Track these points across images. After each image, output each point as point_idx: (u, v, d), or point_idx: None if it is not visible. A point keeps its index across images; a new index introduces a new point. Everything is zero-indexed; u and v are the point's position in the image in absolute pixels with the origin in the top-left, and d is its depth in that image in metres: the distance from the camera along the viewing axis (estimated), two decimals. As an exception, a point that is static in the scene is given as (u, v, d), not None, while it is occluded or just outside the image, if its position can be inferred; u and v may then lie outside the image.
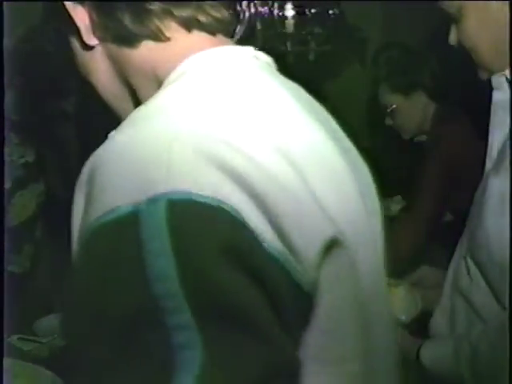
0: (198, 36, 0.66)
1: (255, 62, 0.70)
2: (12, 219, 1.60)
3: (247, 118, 0.57)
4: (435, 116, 2.01)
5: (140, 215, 0.49)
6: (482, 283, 1.13)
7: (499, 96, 1.11)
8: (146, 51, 0.65)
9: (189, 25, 0.65)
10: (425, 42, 2.24)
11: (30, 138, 1.60)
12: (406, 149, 2.36)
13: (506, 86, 1.10)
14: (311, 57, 2.03)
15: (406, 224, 2.01)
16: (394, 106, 2.02)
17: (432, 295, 1.38)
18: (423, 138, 2.09)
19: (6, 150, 1.40)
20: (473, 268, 1.15)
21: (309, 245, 0.53)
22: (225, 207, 0.49)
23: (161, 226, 0.48)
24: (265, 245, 0.50)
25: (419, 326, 1.34)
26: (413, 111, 2.03)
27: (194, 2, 0.65)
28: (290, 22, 1.90)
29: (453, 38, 1.17)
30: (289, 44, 1.95)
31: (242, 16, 2.00)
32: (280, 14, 1.89)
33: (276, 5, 1.89)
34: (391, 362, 0.71)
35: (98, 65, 0.69)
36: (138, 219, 0.49)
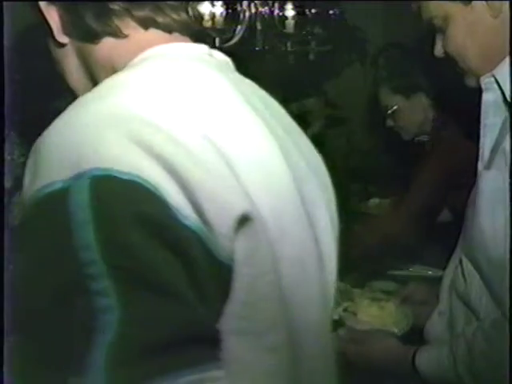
0: (154, 34, 0.72)
1: (206, 59, 0.74)
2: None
3: (182, 107, 0.63)
4: (436, 117, 2.01)
5: (69, 190, 0.55)
6: (477, 280, 1.14)
7: (488, 97, 1.12)
8: (106, 47, 0.71)
9: (146, 23, 0.71)
10: (425, 42, 2.23)
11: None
12: (407, 149, 2.37)
13: (494, 86, 1.11)
14: (311, 57, 2.03)
15: (392, 219, 2.01)
16: (395, 108, 2.02)
17: (421, 311, 1.37)
18: (424, 138, 2.09)
19: (7, 148, 1.40)
20: (468, 267, 1.16)
21: (222, 219, 0.58)
22: (141, 182, 0.55)
23: (84, 200, 0.54)
24: (181, 217, 0.55)
25: (411, 339, 1.32)
26: (413, 112, 2.03)
27: (152, 3, 0.70)
28: (290, 22, 1.90)
29: (439, 50, 1.19)
30: (289, 44, 1.95)
31: (242, 16, 2.00)
32: (280, 13, 1.89)
33: (276, 5, 1.89)
34: (323, 355, 0.74)
35: (69, 61, 0.75)
36: (67, 194, 0.55)
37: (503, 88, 1.10)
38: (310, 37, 1.98)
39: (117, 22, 0.70)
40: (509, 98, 1.08)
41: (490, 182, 1.08)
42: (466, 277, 1.17)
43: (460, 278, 1.20)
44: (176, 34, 0.74)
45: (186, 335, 0.53)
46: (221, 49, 1.79)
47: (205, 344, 0.54)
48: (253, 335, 0.61)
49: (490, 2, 1.08)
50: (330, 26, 2.05)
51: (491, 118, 1.12)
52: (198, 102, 0.65)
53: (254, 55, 2.53)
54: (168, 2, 0.71)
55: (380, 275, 2.05)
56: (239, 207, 0.59)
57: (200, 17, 1.74)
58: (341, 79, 4.02)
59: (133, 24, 0.71)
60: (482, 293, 1.14)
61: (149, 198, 0.55)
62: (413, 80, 2.00)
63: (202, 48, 0.76)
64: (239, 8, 1.79)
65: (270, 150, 0.68)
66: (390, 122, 2.09)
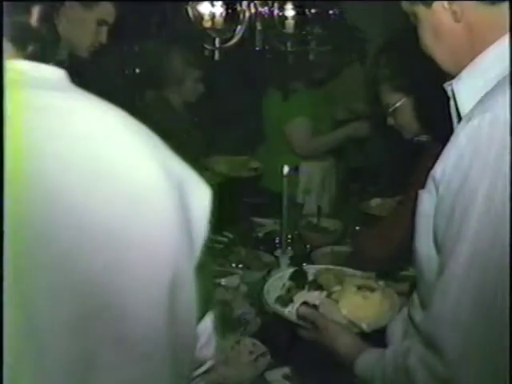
0: None
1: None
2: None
3: None
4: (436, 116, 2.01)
5: None
6: (415, 296, 1.16)
7: (452, 104, 1.10)
8: None
9: None
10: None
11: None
12: (407, 149, 2.36)
13: (452, 95, 1.09)
14: (311, 57, 2.03)
15: (391, 221, 2.01)
16: (397, 106, 2.02)
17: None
18: (424, 138, 2.09)
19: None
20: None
21: None
22: None
23: None
24: None
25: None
26: (414, 111, 2.03)
27: None
28: (289, 22, 1.90)
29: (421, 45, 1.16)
30: (289, 44, 1.95)
31: (241, 16, 2.00)
32: (280, 14, 1.89)
33: (276, 5, 1.89)
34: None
35: None
36: None
37: (458, 102, 1.07)
38: (309, 37, 1.97)
39: None
40: (462, 112, 1.05)
41: (423, 203, 1.07)
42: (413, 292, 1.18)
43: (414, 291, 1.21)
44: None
45: None
46: (221, 49, 1.80)
47: None
48: None
49: (450, 5, 1.03)
50: (330, 26, 2.05)
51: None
52: None
53: (254, 55, 2.53)
54: None
55: (380, 275, 2.06)
56: None
57: (200, 17, 1.75)
58: (340, 79, 4.03)
59: None
60: (417, 310, 1.14)
61: None
62: (413, 78, 2.00)
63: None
64: (239, 8, 1.79)
65: None
66: (390, 121, 2.09)
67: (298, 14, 1.89)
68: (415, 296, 1.17)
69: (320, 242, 2.28)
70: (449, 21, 1.05)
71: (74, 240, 0.63)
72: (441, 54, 1.10)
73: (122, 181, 0.66)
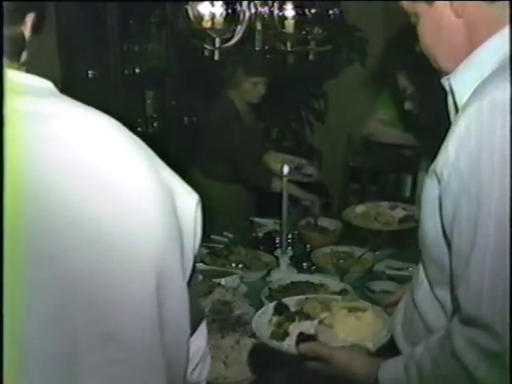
0: None
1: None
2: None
3: None
4: None
5: None
6: (425, 282, 1.16)
7: (450, 100, 1.14)
8: None
9: None
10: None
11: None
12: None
13: (449, 89, 1.13)
14: (311, 57, 2.02)
15: None
16: (413, 89, 2.01)
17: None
18: None
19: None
20: (420, 268, 1.19)
21: None
22: None
23: None
24: None
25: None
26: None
27: None
28: (289, 22, 1.90)
29: (419, 46, 1.19)
30: (289, 44, 1.95)
31: (241, 16, 2.00)
32: (280, 14, 1.89)
33: (276, 5, 1.89)
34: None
35: None
36: None
37: (454, 93, 1.11)
38: (309, 37, 1.97)
39: None
40: (460, 104, 1.09)
41: (427, 190, 1.10)
42: (418, 278, 1.19)
43: (414, 277, 1.23)
44: None
45: None
46: (221, 49, 1.80)
47: None
48: None
49: (452, 2, 1.08)
50: (330, 26, 2.05)
51: (452, 120, 1.12)
52: None
53: (254, 55, 2.53)
54: None
55: (380, 275, 2.06)
56: None
57: (200, 17, 1.74)
58: (340, 79, 4.03)
59: None
60: (426, 295, 1.16)
61: None
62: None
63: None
64: (239, 8, 1.79)
65: None
66: (408, 105, 2.09)
67: (297, 14, 1.89)
68: (422, 280, 1.17)
69: (320, 242, 2.28)
70: (450, 17, 1.09)
71: (62, 239, 0.64)
72: (440, 51, 1.14)
73: (112, 186, 0.68)
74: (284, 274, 2.05)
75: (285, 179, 2.10)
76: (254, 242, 2.34)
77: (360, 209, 2.41)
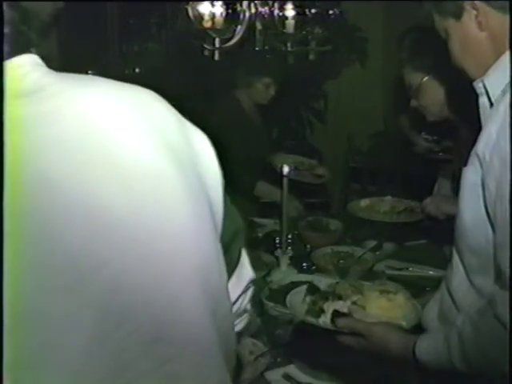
0: None
1: None
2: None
3: None
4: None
5: None
6: (460, 270, 1.22)
7: (483, 101, 1.23)
8: None
9: None
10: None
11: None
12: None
13: (484, 91, 1.23)
14: (311, 57, 2.02)
15: None
16: (419, 84, 2.02)
17: None
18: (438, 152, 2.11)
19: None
20: (455, 257, 1.24)
21: None
22: None
23: None
24: None
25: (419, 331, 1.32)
26: (437, 91, 2.02)
27: None
28: (290, 22, 1.90)
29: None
30: (289, 44, 1.95)
31: (242, 16, 2.00)
32: (280, 14, 1.89)
33: (276, 5, 1.89)
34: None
35: None
36: None
37: (489, 93, 1.20)
38: (309, 37, 1.97)
39: None
40: (493, 99, 1.19)
41: (467, 177, 1.18)
42: (453, 267, 1.25)
43: (449, 267, 1.28)
44: None
45: None
46: (221, 49, 1.80)
47: None
48: None
49: (476, 17, 1.20)
50: (330, 26, 2.05)
51: (484, 120, 1.21)
52: None
53: (254, 55, 2.53)
54: None
55: (380, 275, 2.06)
56: None
57: (200, 17, 1.74)
58: (340, 79, 4.03)
59: None
60: (464, 281, 1.21)
61: None
62: (435, 58, 1.99)
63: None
64: (239, 8, 1.79)
65: None
66: (414, 102, 2.09)
67: (298, 14, 1.89)
68: (458, 269, 1.23)
69: (320, 242, 2.28)
70: (475, 30, 1.21)
71: (84, 233, 0.58)
72: (469, 63, 1.26)
73: (129, 170, 0.61)
74: (284, 273, 2.05)
75: (285, 179, 2.10)
76: (254, 242, 2.34)
77: (364, 202, 2.42)
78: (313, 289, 1.53)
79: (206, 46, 1.81)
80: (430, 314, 1.34)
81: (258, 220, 2.55)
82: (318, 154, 4.00)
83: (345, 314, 1.37)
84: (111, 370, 0.58)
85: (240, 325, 0.84)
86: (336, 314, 1.37)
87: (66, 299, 0.56)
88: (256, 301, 1.84)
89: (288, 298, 1.51)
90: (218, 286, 0.69)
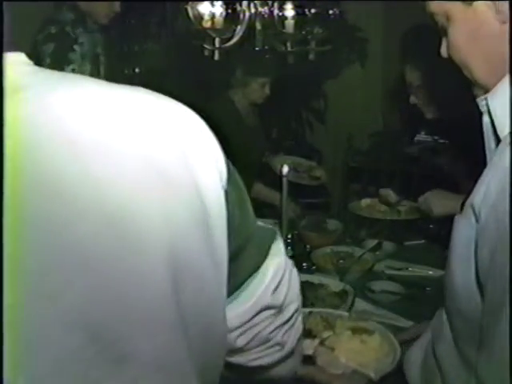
0: None
1: None
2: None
3: None
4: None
5: None
6: (449, 334, 1.02)
7: (487, 120, 1.01)
8: None
9: None
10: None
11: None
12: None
13: (486, 110, 1.00)
14: (311, 57, 2.03)
15: None
16: (419, 83, 2.02)
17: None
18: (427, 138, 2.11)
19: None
20: (444, 316, 1.05)
21: None
22: None
23: None
24: None
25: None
26: (436, 89, 2.04)
27: None
28: (289, 22, 1.90)
29: (444, 51, 1.06)
30: (289, 44, 1.95)
31: (241, 16, 2.00)
32: (280, 14, 1.89)
33: (276, 5, 1.89)
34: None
35: None
36: None
37: (493, 117, 0.97)
38: (309, 37, 1.97)
39: None
40: (500, 129, 0.95)
41: (459, 230, 0.95)
42: (442, 326, 1.04)
43: (437, 317, 1.09)
44: None
45: None
46: (221, 49, 1.80)
47: None
48: None
49: (497, 3, 0.91)
50: (330, 26, 2.05)
51: (492, 144, 0.99)
52: None
53: (254, 55, 2.53)
54: None
55: (380, 275, 2.06)
56: None
57: (200, 17, 1.74)
58: (340, 79, 4.03)
59: None
60: (450, 349, 1.01)
61: None
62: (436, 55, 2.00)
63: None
64: (239, 8, 1.79)
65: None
66: (413, 99, 2.10)
67: (297, 14, 1.89)
68: (446, 332, 1.02)
69: (320, 242, 2.28)
70: (492, 22, 0.93)
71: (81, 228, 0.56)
72: (477, 62, 0.98)
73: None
74: (284, 273, 2.05)
75: (284, 179, 2.10)
76: (254, 242, 2.34)
77: (365, 202, 2.48)
78: None
79: (205, 45, 1.81)
80: (412, 359, 1.14)
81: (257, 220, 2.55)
82: (318, 153, 4.00)
83: (309, 358, 1.25)
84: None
85: (266, 358, 0.79)
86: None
87: (44, 310, 0.55)
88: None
89: None
90: (195, 301, 0.65)
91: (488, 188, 0.86)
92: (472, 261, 0.91)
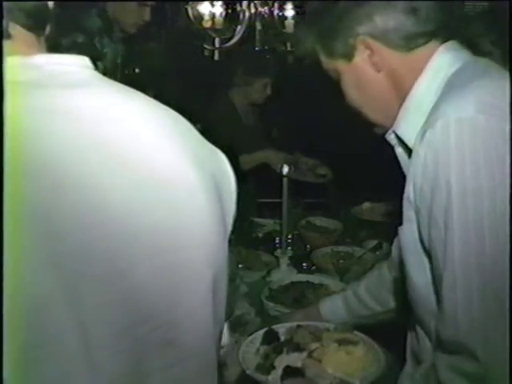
0: None
1: None
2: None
3: None
4: None
5: None
6: (428, 344, 1.10)
7: (399, 151, 1.14)
8: None
9: None
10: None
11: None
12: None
13: (396, 141, 1.13)
14: (311, 57, 2.02)
15: None
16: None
17: None
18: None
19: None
20: (419, 331, 1.14)
21: None
22: None
23: None
24: None
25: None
26: None
27: None
28: (289, 22, 1.90)
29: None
30: (289, 44, 1.95)
31: (241, 16, 2.00)
32: (280, 14, 1.89)
33: (276, 5, 1.89)
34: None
35: None
36: None
37: (406, 142, 1.09)
38: (309, 37, 1.97)
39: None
40: (411, 145, 1.07)
41: (406, 235, 1.07)
42: (419, 346, 1.14)
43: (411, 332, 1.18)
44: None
45: None
46: (221, 49, 1.80)
47: None
48: None
49: (369, 57, 1.09)
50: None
51: (406, 169, 1.10)
52: None
53: (254, 55, 2.53)
54: None
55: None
56: None
57: (200, 17, 1.74)
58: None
59: None
60: (424, 343, 1.12)
61: None
62: None
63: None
64: (239, 8, 1.79)
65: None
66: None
67: (297, 14, 1.89)
68: (418, 331, 1.13)
69: (320, 242, 2.28)
70: (370, 72, 1.10)
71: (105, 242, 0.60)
72: (367, 106, 1.16)
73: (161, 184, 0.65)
74: (284, 274, 2.05)
75: (284, 179, 2.10)
76: (254, 242, 2.34)
77: (366, 206, 2.56)
78: (270, 336, 1.46)
79: (205, 45, 1.81)
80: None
81: (257, 220, 2.55)
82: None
83: (297, 370, 1.31)
84: (130, 364, 0.63)
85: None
86: (288, 370, 1.31)
87: (99, 292, 0.60)
88: (256, 301, 1.84)
89: (241, 347, 1.42)
90: (223, 300, 0.73)
91: (414, 181, 0.98)
92: (424, 257, 1.02)
